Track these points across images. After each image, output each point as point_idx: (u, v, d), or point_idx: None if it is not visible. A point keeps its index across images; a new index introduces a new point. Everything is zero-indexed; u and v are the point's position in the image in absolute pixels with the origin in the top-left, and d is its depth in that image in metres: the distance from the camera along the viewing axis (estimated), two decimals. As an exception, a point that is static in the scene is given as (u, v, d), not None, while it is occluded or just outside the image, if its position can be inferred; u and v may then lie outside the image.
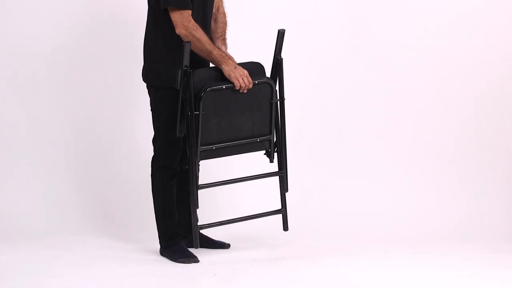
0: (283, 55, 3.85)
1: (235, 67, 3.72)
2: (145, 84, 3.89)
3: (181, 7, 3.68)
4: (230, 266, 3.71)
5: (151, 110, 3.87)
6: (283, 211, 3.94)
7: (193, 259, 3.80)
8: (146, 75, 3.86)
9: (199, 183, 3.78)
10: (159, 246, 3.92)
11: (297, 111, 4.66)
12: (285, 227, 3.97)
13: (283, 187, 3.94)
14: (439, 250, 4.06)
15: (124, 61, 4.59)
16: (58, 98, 4.70)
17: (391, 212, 4.56)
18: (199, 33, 3.70)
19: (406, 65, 4.81)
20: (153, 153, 3.89)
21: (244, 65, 3.79)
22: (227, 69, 3.72)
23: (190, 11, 3.70)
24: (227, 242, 4.06)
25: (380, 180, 4.72)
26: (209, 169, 4.27)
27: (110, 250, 4.01)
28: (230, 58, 3.76)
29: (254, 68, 3.81)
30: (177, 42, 3.73)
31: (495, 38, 4.82)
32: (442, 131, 4.80)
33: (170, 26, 3.72)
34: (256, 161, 4.13)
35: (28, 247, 4.04)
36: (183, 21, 3.68)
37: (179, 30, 3.69)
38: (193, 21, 3.69)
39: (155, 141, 3.89)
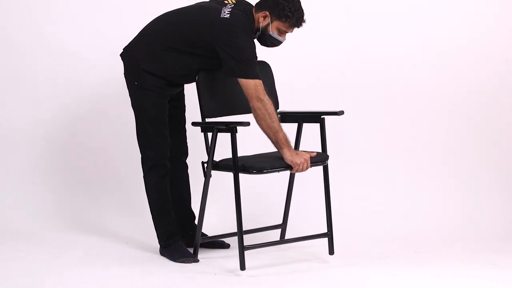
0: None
1: (297, 154, 3.63)
2: (128, 85, 3.85)
3: (254, 77, 3.57)
4: (230, 266, 3.71)
5: (134, 110, 3.84)
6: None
7: (193, 259, 3.80)
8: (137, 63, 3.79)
9: (246, 245, 3.61)
10: (159, 246, 3.93)
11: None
12: None
13: (329, 249, 3.85)
14: (439, 250, 4.06)
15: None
16: (56, 97, 4.70)
17: (391, 212, 4.56)
18: (272, 109, 3.59)
19: (407, 66, 4.82)
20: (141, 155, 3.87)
21: None
22: (288, 155, 3.61)
23: (261, 82, 3.59)
24: (226, 242, 4.07)
25: (380, 180, 4.72)
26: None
27: (110, 250, 4.02)
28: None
29: (262, 71, 3.75)
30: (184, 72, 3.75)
31: (495, 38, 4.83)
32: (442, 132, 4.80)
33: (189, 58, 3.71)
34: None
35: (28, 247, 4.04)
36: (258, 94, 3.56)
37: (254, 103, 3.56)
38: (267, 96, 3.58)
39: (140, 141, 3.84)
